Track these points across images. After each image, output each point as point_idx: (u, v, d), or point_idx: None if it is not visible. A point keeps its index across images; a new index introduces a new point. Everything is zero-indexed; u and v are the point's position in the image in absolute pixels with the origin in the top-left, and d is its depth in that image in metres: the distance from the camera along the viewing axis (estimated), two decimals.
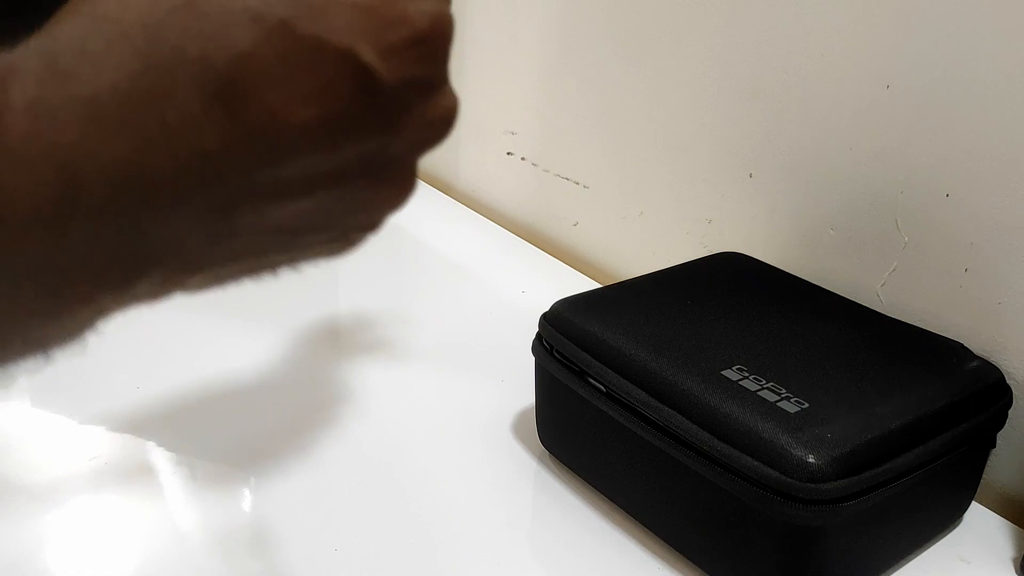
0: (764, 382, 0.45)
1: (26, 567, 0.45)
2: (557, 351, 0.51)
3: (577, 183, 0.85)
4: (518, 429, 0.58)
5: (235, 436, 0.56)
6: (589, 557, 0.48)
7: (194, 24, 0.21)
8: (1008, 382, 0.50)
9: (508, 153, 0.93)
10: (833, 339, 0.50)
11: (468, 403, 0.61)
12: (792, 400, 0.44)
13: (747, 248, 0.65)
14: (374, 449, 0.55)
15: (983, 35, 0.52)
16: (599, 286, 0.65)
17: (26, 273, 0.20)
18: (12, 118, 0.20)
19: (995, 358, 0.54)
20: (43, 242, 0.20)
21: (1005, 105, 0.52)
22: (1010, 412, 0.50)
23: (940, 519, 0.50)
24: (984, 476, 0.51)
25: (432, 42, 0.24)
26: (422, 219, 0.89)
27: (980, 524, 0.52)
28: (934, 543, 0.50)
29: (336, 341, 0.69)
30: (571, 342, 0.50)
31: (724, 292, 0.55)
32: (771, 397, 0.44)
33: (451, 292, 0.78)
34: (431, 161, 1.03)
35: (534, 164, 0.90)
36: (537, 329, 0.53)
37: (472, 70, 0.96)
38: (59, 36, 0.21)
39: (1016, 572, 0.49)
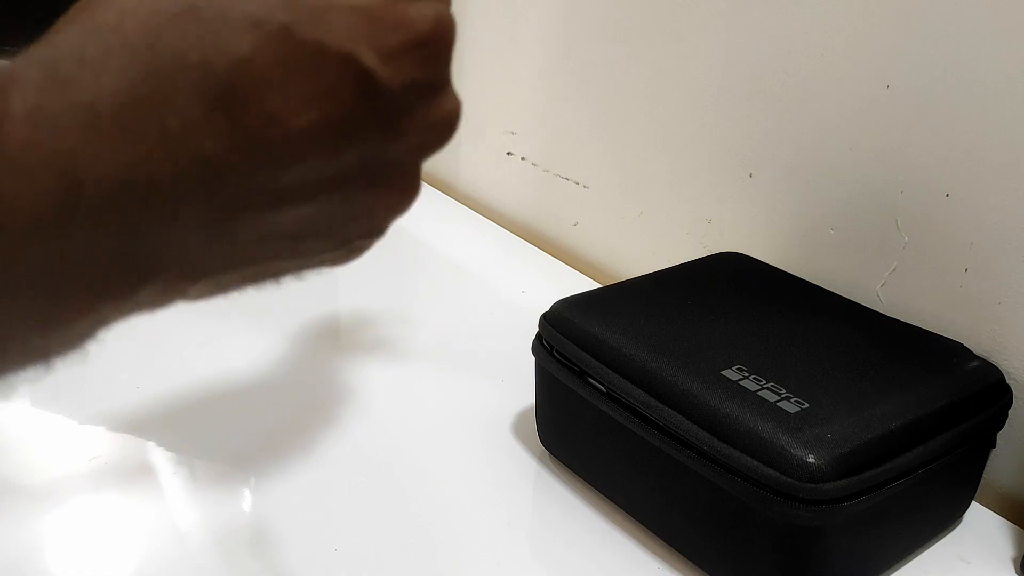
0: (764, 382, 0.45)
1: (26, 567, 0.45)
2: (557, 351, 0.51)
3: (577, 183, 0.85)
4: (518, 429, 0.58)
5: (235, 436, 0.56)
6: (589, 557, 0.48)
7: (194, 30, 0.21)
8: (1008, 382, 0.50)
9: (508, 153, 0.93)
10: (833, 339, 0.50)
11: (468, 403, 0.61)
12: (792, 400, 0.44)
13: (747, 248, 0.65)
14: (374, 449, 0.55)
15: (983, 35, 0.52)
16: (599, 286, 0.65)
17: (26, 282, 0.20)
18: (12, 126, 0.20)
19: (995, 358, 0.54)
20: (43, 251, 0.20)
21: (1005, 105, 0.52)
22: (1010, 412, 0.50)
23: (940, 519, 0.50)
24: (984, 476, 0.51)
25: (433, 45, 0.24)
26: (422, 219, 0.89)
27: (980, 524, 0.52)
28: (934, 543, 0.50)
29: (336, 341, 0.69)
30: (571, 342, 0.50)
31: (724, 292, 0.55)
32: (771, 397, 0.44)
33: (451, 292, 0.78)
34: (431, 161, 1.03)
35: (534, 164, 0.90)
36: (537, 329, 0.53)
37: (472, 70, 0.96)
38: (58, 44, 0.21)
39: (1016, 572, 0.49)
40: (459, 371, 0.65)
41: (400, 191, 0.27)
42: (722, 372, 0.46)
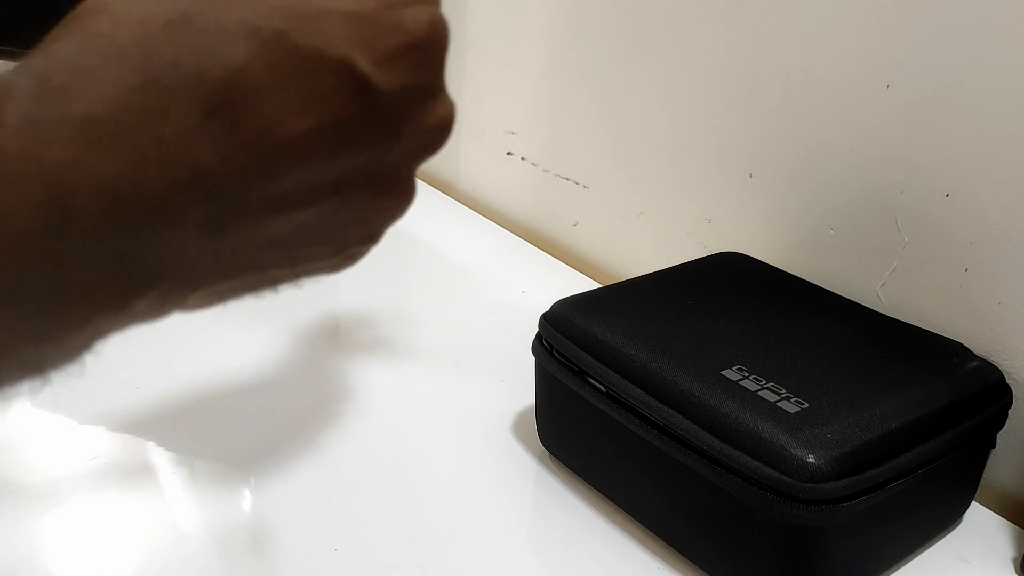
0: (764, 382, 0.45)
1: (26, 567, 0.45)
2: (557, 351, 0.51)
3: (577, 183, 0.85)
4: (518, 429, 0.58)
5: (235, 436, 0.56)
6: (589, 557, 0.48)
7: (189, 39, 0.21)
8: (1008, 382, 0.50)
9: (508, 153, 0.93)
10: (833, 339, 0.50)
11: (468, 403, 0.61)
12: (792, 400, 0.44)
13: (747, 248, 0.65)
14: (374, 449, 0.55)
15: (983, 35, 0.52)
16: (599, 286, 0.65)
17: (20, 293, 0.20)
18: (5, 136, 0.19)
19: (995, 358, 0.54)
20: (37, 262, 0.20)
21: (1005, 105, 0.52)
22: (1010, 412, 0.50)
23: (940, 519, 0.50)
24: (984, 476, 0.51)
25: (428, 49, 0.24)
26: (422, 219, 0.89)
27: (980, 524, 0.52)
28: (934, 543, 0.50)
29: (336, 341, 0.69)
30: (571, 342, 0.50)
31: (724, 292, 0.55)
32: (771, 397, 0.44)
33: (451, 292, 0.78)
34: (431, 162, 1.03)
35: (534, 164, 0.90)
36: (537, 329, 0.53)
37: (472, 70, 0.96)
38: (52, 54, 0.21)
39: (1016, 572, 0.49)
40: (459, 371, 0.65)
41: (396, 196, 0.27)
42: (722, 372, 0.46)
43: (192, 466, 0.53)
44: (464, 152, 1.00)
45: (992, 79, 0.52)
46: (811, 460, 0.40)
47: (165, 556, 0.46)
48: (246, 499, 0.51)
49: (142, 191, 0.21)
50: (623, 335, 0.49)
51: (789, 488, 0.40)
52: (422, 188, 0.94)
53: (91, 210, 0.20)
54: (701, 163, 0.72)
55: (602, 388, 0.48)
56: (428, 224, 0.89)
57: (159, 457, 0.53)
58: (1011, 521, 0.53)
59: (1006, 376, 0.50)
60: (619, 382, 0.47)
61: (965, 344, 0.51)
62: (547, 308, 0.53)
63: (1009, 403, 0.49)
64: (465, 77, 0.97)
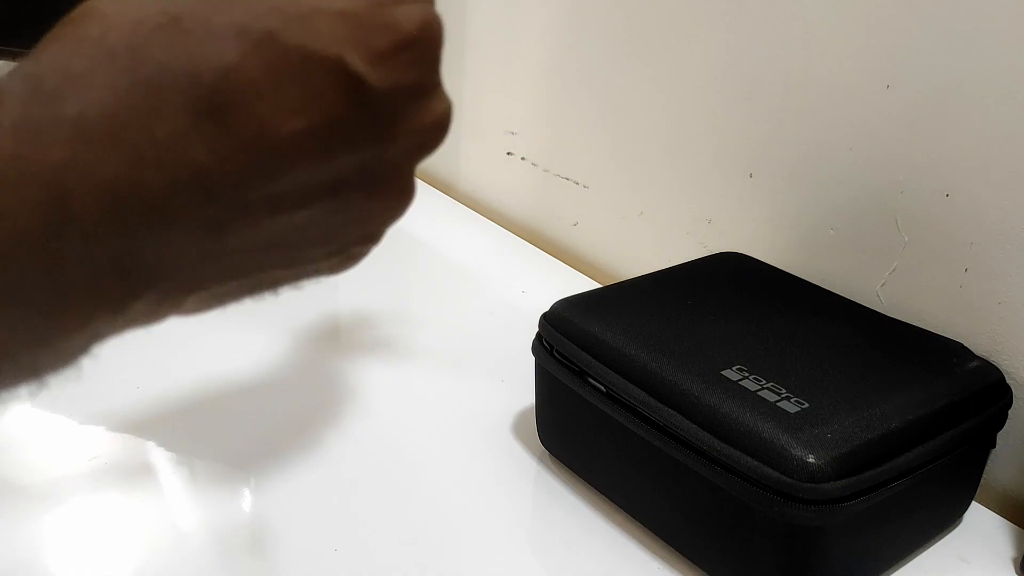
0: (764, 382, 0.45)
1: (26, 567, 0.45)
2: (557, 351, 0.51)
3: (577, 183, 0.85)
4: (518, 429, 0.58)
5: (235, 436, 0.56)
6: (589, 557, 0.48)
7: (179, 41, 0.21)
8: (1008, 382, 0.50)
9: (508, 153, 0.93)
10: (833, 339, 0.50)
11: (468, 403, 0.61)
12: (792, 400, 0.44)
13: (747, 248, 0.65)
14: (374, 449, 0.55)
15: (983, 35, 0.52)
16: (599, 286, 0.65)
17: (16, 296, 0.20)
18: (0, 139, 0.19)
19: (995, 358, 0.54)
20: (33, 264, 0.20)
21: (1005, 105, 0.52)
22: (1010, 412, 0.50)
23: (940, 519, 0.50)
24: (984, 476, 0.51)
25: (421, 46, 0.24)
26: (422, 219, 0.89)
27: (980, 524, 0.52)
28: (934, 543, 0.50)
29: (336, 341, 0.69)
30: (571, 342, 0.50)
31: (724, 292, 0.55)
32: (771, 397, 0.44)
33: (451, 292, 0.78)
34: (431, 161, 1.03)
35: (534, 164, 0.90)
36: (537, 329, 0.53)
37: (472, 70, 0.96)
38: (43, 59, 0.21)
39: (1016, 572, 0.49)
40: (459, 371, 0.65)
41: (395, 196, 0.26)
42: (722, 372, 0.46)
43: (192, 466, 0.53)
44: (464, 152, 1.00)
45: (992, 79, 0.52)
46: (811, 460, 0.40)
47: (165, 556, 0.46)
48: (246, 499, 0.51)
49: (140, 191, 0.21)
50: (623, 335, 0.49)
51: (789, 488, 0.40)
52: (422, 188, 0.94)
53: (89, 210, 0.20)
54: (701, 163, 0.72)
55: (602, 388, 0.48)
56: (428, 224, 0.89)
57: (159, 457, 0.53)
58: (1011, 521, 0.53)
59: (1006, 376, 0.50)
60: (619, 382, 0.47)
61: (965, 344, 0.51)
62: (547, 308, 0.53)
63: (1009, 403, 0.49)
64: (465, 77, 0.97)
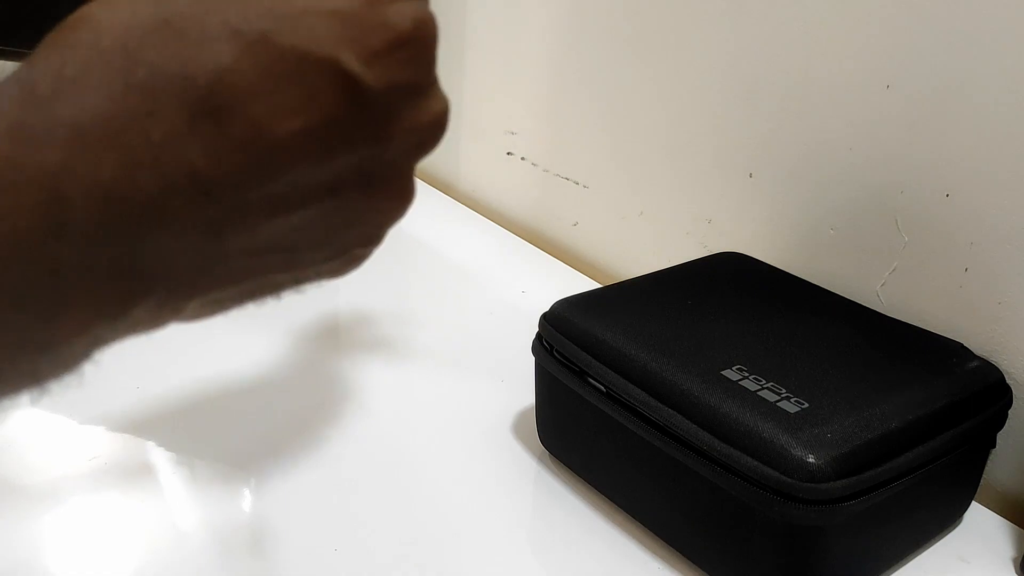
0: (764, 382, 0.45)
1: (26, 567, 0.45)
2: (557, 351, 0.51)
3: (577, 183, 0.85)
4: (518, 429, 0.58)
5: (235, 436, 0.56)
6: (589, 557, 0.48)
7: (172, 44, 0.21)
8: (1008, 382, 0.50)
9: (508, 153, 0.93)
10: (833, 339, 0.50)
11: (468, 403, 0.61)
12: (792, 400, 0.44)
13: (747, 248, 0.65)
14: (374, 449, 0.55)
15: (983, 35, 0.52)
16: (599, 286, 0.65)
17: (15, 301, 0.20)
18: None
19: (995, 358, 0.54)
20: (35, 267, 0.20)
21: (1005, 105, 0.52)
22: (1010, 412, 0.50)
23: (940, 519, 0.50)
24: (984, 476, 0.51)
25: (415, 45, 0.24)
26: (422, 219, 0.89)
27: (980, 524, 0.52)
28: (934, 543, 0.50)
29: (336, 341, 0.69)
30: (571, 342, 0.50)
31: (724, 292, 0.55)
32: (771, 397, 0.44)
33: (451, 292, 0.78)
34: (431, 161, 1.03)
35: (534, 164, 0.90)
36: (537, 329, 0.53)
37: (472, 70, 0.96)
38: (37, 65, 0.21)
39: (1016, 572, 0.49)
40: (459, 371, 0.65)
41: (394, 196, 0.26)
42: (722, 372, 0.46)
43: (192, 466, 0.53)
44: (464, 152, 1.00)
45: (992, 79, 0.52)
46: (811, 460, 0.40)
47: (165, 556, 0.46)
48: (246, 499, 0.51)
49: (137, 194, 0.20)
50: (623, 335, 0.49)
51: (789, 488, 0.40)
52: (422, 188, 0.94)
53: (87, 213, 0.20)
54: (701, 163, 0.72)
55: (602, 388, 0.48)
56: (428, 224, 0.89)
57: (159, 457, 0.53)
58: (1011, 521, 0.53)
59: (1006, 376, 0.50)
60: (619, 382, 0.47)
61: (965, 344, 0.51)
62: (547, 308, 0.53)
63: (1009, 403, 0.49)
64: (465, 77, 0.97)
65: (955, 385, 0.47)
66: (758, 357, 0.47)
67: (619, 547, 0.49)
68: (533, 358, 0.53)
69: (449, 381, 0.63)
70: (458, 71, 0.97)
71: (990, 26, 0.51)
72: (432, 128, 0.26)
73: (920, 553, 0.49)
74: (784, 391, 0.44)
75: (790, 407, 0.43)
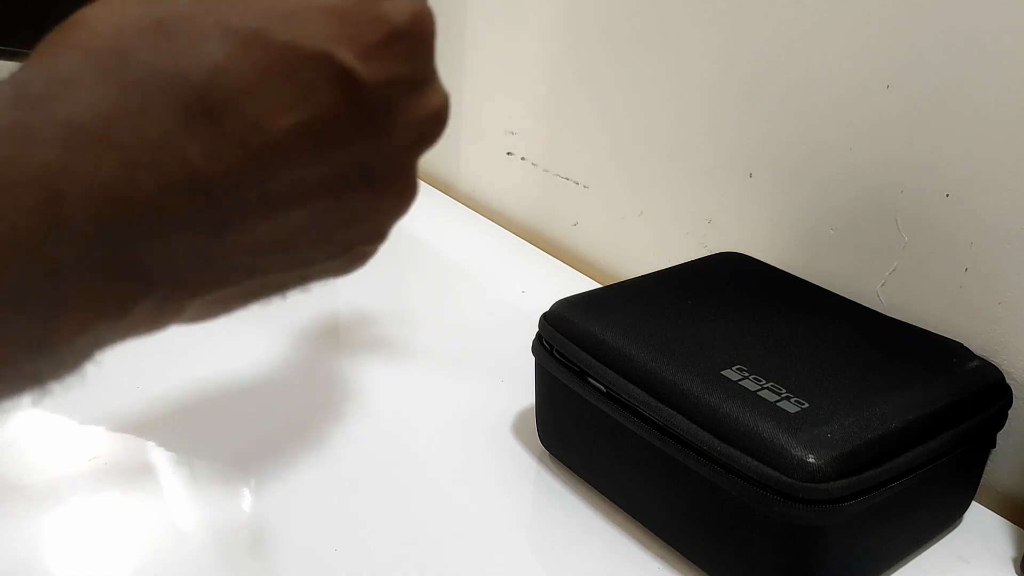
0: (764, 382, 0.45)
1: (26, 567, 0.45)
2: (557, 351, 0.51)
3: (577, 183, 0.85)
4: (518, 429, 0.58)
5: (235, 436, 0.56)
6: (589, 557, 0.48)
7: (165, 43, 0.21)
8: (1008, 382, 0.50)
9: (508, 153, 0.93)
10: (833, 339, 0.50)
11: (468, 403, 0.61)
12: (792, 400, 0.44)
13: (747, 248, 0.65)
14: (374, 449, 0.55)
15: (983, 35, 0.52)
16: (599, 286, 0.65)
17: (14, 301, 0.20)
18: None
19: (995, 358, 0.54)
20: (29, 267, 0.19)
21: (1005, 105, 0.52)
22: (1010, 412, 0.50)
23: (940, 519, 0.50)
24: (984, 476, 0.51)
25: (412, 39, 0.24)
26: (422, 219, 0.89)
27: (980, 524, 0.52)
28: (934, 543, 0.50)
29: (336, 341, 0.69)
30: (571, 342, 0.50)
31: (724, 292, 0.55)
32: (771, 397, 0.44)
33: (451, 292, 0.78)
34: (431, 161, 1.03)
35: (534, 164, 0.90)
36: (537, 329, 0.53)
37: (472, 70, 0.96)
38: (31, 67, 0.21)
39: (1016, 572, 0.49)
40: (459, 371, 0.65)
41: (396, 191, 0.26)
42: (722, 372, 0.46)
43: (192, 466, 0.53)
44: (464, 152, 1.00)
45: (992, 79, 0.52)
46: (811, 460, 0.40)
47: (165, 556, 0.46)
48: (246, 499, 0.51)
49: (134, 193, 0.20)
50: (623, 335, 0.49)
51: (789, 488, 0.40)
52: (422, 188, 0.94)
53: (84, 212, 0.20)
54: (701, 163, 0.72)
55: (602, 388, 0.48)
56: (428, 224, 0.89)
57: (159, 457, 0.53)
58: (1011, 521, 0.53)
59: (1006, 376, 0.50)
60: (619, 382, 0.47)
61: (965, 344, 0.51)
62: (547, 308, 0.53)
63: (1009, 403, 0.49)
64: (465, 77, 0.97)
65: (955, 385, 0.47)
66: (758, 357, 0.47)
67: (619, 547, 0.49)
68: (533, 358, 0.53)
69: (449, 381, 0.63)
70: (458, 71, 0.97)
71: (990, 26, 0.51)
72: (432, 122, 0.26)
73: (920, 553, 0.49)
74: (784, 391, 0.44)
75: (790, 407, 0.43)
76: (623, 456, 0.49)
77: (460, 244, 0.87)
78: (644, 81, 0.76)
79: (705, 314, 0.52)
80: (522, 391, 0.60)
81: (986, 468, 0.51)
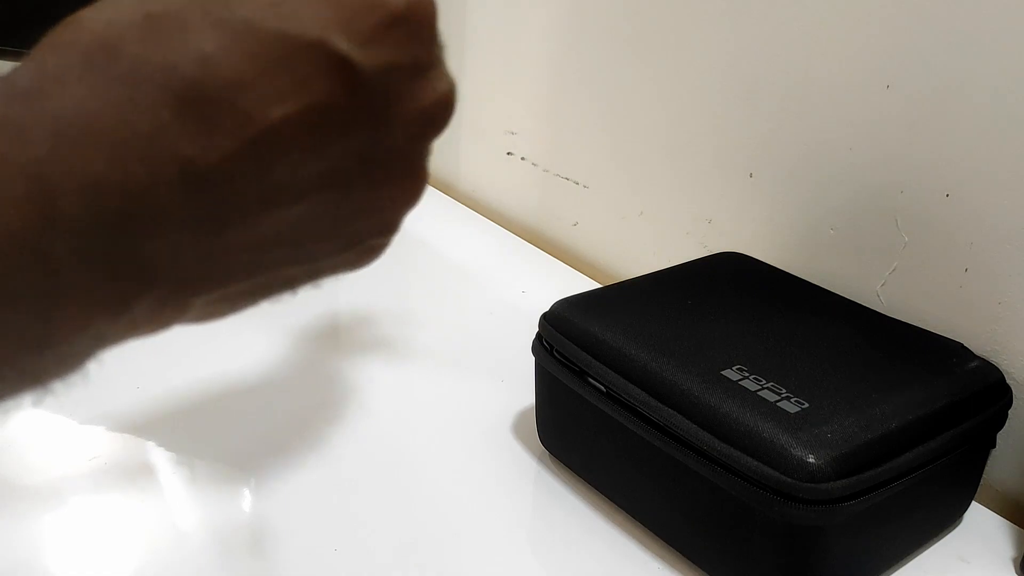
0: (764, 382, 0.45)
1: (26, 567, 0.45)
2: (557, 351, 0.51)
3: (577, 183, 0.85)
4: (518, 429, 0.58)
5: (235, 436, 0.56)
6: (589, 557, 0.48)
7: (154, 35, 0.21)
8: (1008, 382, 0.50)
9: (508, 153, 0.93)
10: (833, 339, 0.50)
11: (468, 403, 0.61)
12: (792, 400, 0.44)
13: (747, 248, 0.65)
14: (374, 449, 0.55)
15: (983, 35, 0.52)
16: (599, 286, 0.65)
17: (11, 299, 0.19)
18: None
19: (995, 358, 0.54)
20: (27, 262, 0.19)
21: (1005, 105, 0.52)
22: (1010, 412, 0.50)
23: (940, 519, 0.50)
24: (984, 476, 0.51)
25: (410, 23, 0.23)
26: (422, 219, 0.89)
27: (980, 524, 0.52)
28: (934, 543, 0.50)
29: (336, 341, 0.69)
30: (571, 342, 0.50)
31: (724, 292, 0.55)
32: (771, 397, 0.44)
33: (451, 292, 0.78)
34: (431, 161, 1.03)
35: (534, 164, 0.90)
36: (537, 329, 0.53)
37: (472, 70, 0.96)
38: (20, 67, 0.21)
39: (1016, 572, 0.49)
40: (459, 371, 0.65)
41: (404, 182, 0.25)
42: (722, 372, 0.46)
43: (192, 466, 0.53)
44: (464, 152, 1.00)
45: (992, 79, 0.52)
46: (811, 460, 0.40)
47: (165, 556, 0.46)
48: (246, 499, 0.51)
49: (127, 186, 0.20)
50: (623, 335, 0.49)
51: (789, 488, 0.40)
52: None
53: (76, 207, 0.20)
54: (701, 163, 0.72)
55: (602, 388, 0.48)
56: (428, 224, 0.89)
57: (159, 457, 0.53)
58: (1011, 521, 0.53)
59: (1006, 376, 0.50)
60: (619, 382, 0.47)
61: (965, 344, 0.51)
62: (547, 308, 0.53)
63: (1009, 403, 0.49)
64: (465, 77, 0.97)
65: (955, 385, 0.47)
66: (758, 357, 0.47)
67: (619, 547, 0.49)
68: (533, 358, 0.53)
69: (449, 381, 0.63)
70: (458, 71, 0.97)
71: (990, 26, 0.51)
72: (437, 109, 0.25)
73: (920, 553, 0.49)
74: (784, 391, 0.44)
75: (790, 407, 0.43)
76: (623, 456, 0.49)
77: (460, 244, 0.87)
78: (644, 81, 0.76)
79: (705, 314, 0.52)
80: (522, 391, 0.60)
81: (986, 468, 0.51)
